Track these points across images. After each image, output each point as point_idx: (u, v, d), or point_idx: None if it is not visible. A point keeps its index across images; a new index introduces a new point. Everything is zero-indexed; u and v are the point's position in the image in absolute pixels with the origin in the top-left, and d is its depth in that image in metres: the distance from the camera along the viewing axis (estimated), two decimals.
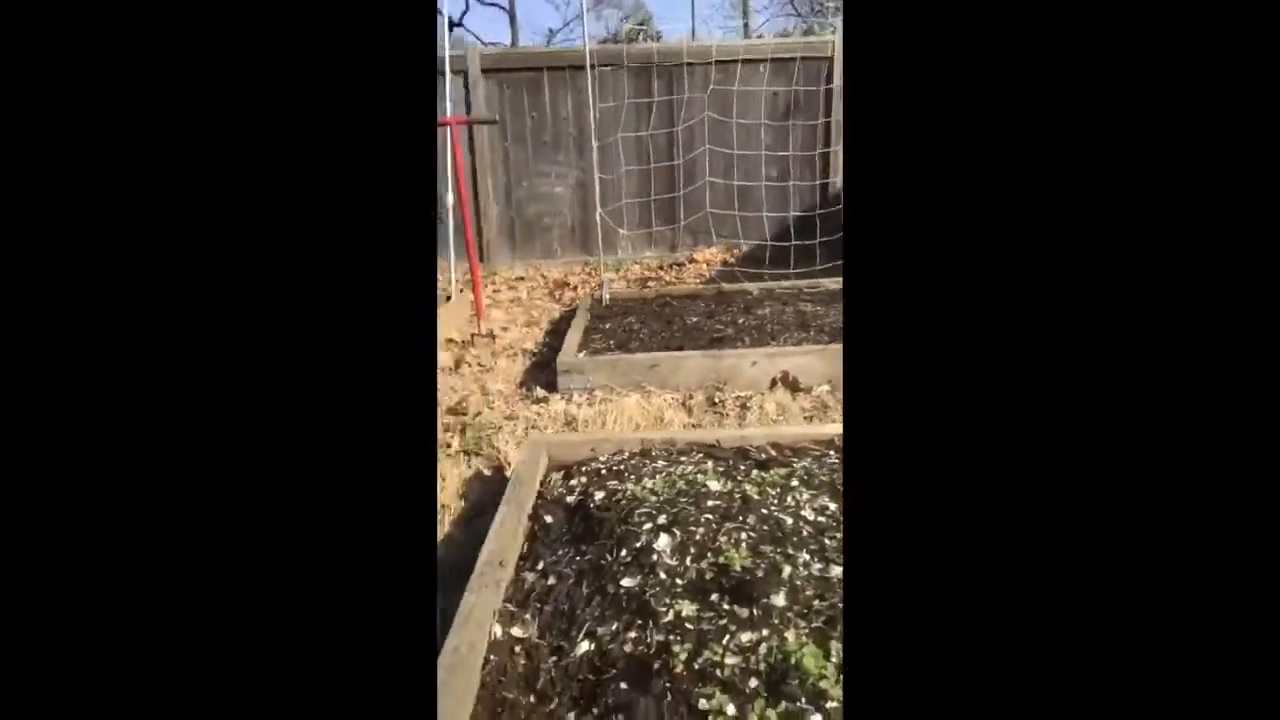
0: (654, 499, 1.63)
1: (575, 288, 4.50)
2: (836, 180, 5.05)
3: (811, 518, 1.54)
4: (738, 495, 1.62)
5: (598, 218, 3.91)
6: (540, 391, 2.74)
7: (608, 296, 3.95)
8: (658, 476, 1.76)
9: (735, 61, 4.81)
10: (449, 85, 4.17)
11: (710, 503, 1.59)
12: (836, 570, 1.35)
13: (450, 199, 3.86)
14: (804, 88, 4.87)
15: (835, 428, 2.05)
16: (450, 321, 3.64)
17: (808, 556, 1.39)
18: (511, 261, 5.13)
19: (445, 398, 2.68)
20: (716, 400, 2.63)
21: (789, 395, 2.70)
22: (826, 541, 1.41)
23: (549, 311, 4.03)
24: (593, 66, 4.15)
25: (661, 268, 4.99)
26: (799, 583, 1.30)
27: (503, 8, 11.04)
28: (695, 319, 3.49)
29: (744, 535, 1.46)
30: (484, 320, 3.51)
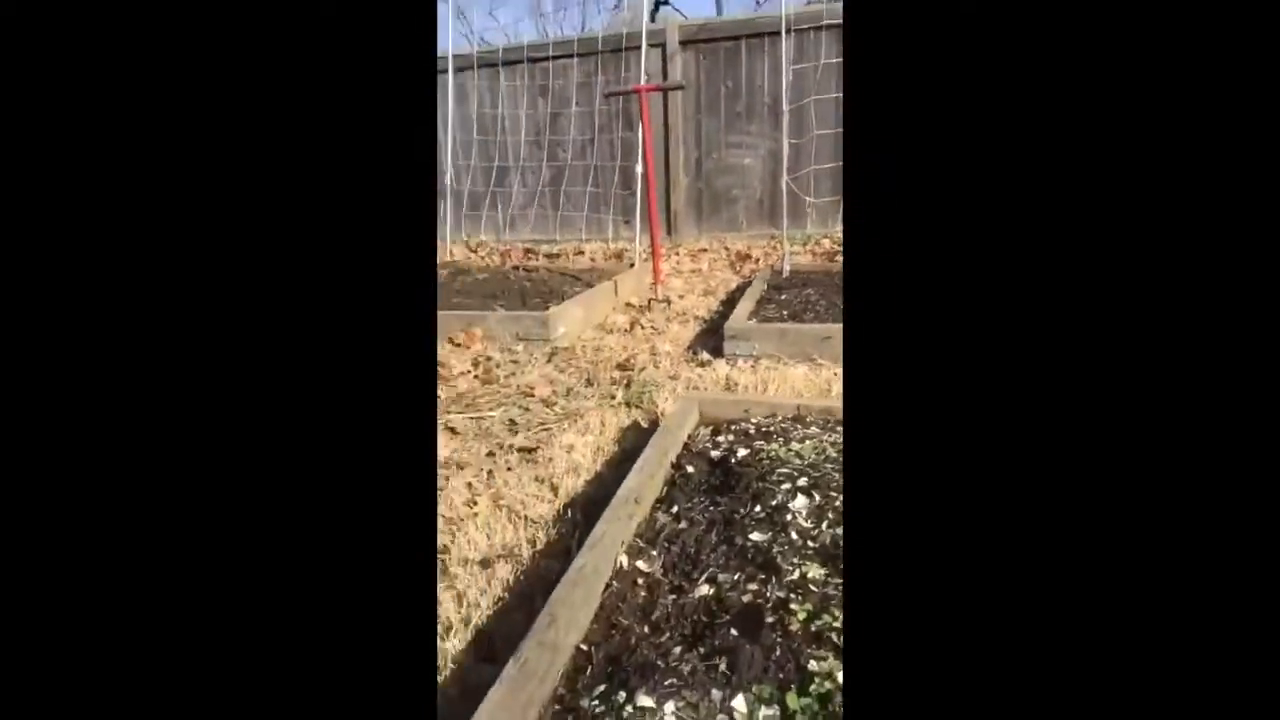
0: (798, 461, 1.58)
1: (757, 260, 4.44)
2: None
3: None
4: None
5: (784, 185, 3.81)
6: (705, 355, 2.76)
7: (788, 268, 3.85)
8: (807, 442, 1.70)
9: None
10: (644, 59, 4.28)
11: None
12: None
13: (640, 169, 3.98)
14: None
15: None
16: (631, 287, 3.78)
17: None
18: (698, 234, 5.18)
19: (615, 354, 2.80)
20: None
21: None
22: None
23: (727, 283, 4.02)
24: (789, 31, 4.02)
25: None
26: None
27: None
28: None
29: None
30: (662, 286, 3.59)
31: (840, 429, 1.77)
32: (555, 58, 5.13)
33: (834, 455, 1.59)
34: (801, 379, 2.46)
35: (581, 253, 4.97)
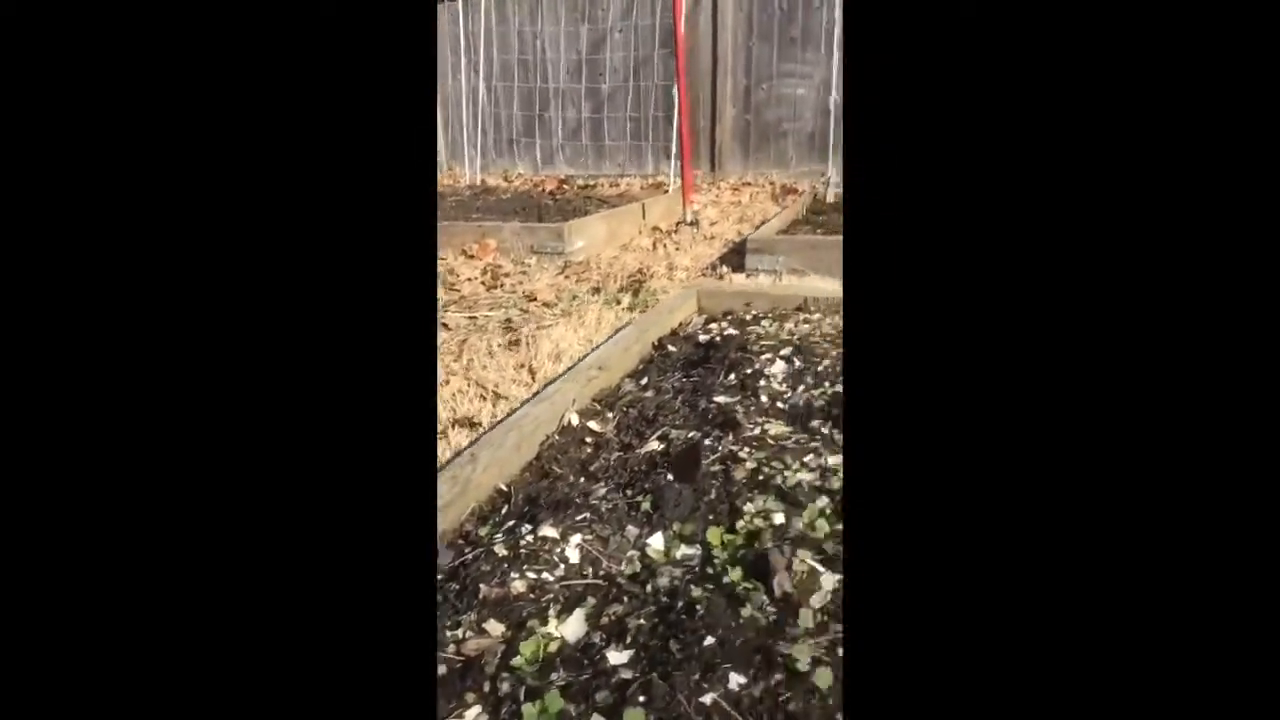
0: (787, 337, 1.44)
1: (802, 194, 4.23)
2: None
3: None
4: None
5: (831, 104, 3.58)
6: (724, 269, 2.62)
7: (831, 196, 3.63)
8: (804, 325, 1.55)
9: None
10: None
11: None
12: None
13: (674, 93, 3.80)
14: None
15: None
16: (661, 211, 3.64)
17: None
18: (744, 169, 4.97)
19: (630, 268, 2.69)
20: None
21: None
22: None
23: (766, 212, 3.84)
24: None
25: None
26: None
27: None
28: None
29: None
30: (690, 208, 3.43)
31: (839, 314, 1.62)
32: None
33: (830, 331, 1.44)
34: (825, 288, 2.30)
35: (617, 185, 4.84)
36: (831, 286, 2.33)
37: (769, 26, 4.70)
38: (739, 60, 4.82)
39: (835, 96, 3.66)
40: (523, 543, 0.86)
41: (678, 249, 3.03)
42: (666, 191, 3.94)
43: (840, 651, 0.66)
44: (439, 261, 2.91)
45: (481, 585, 0.79)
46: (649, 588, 0.78)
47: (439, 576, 0.83)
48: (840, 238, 2.54)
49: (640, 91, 5.14)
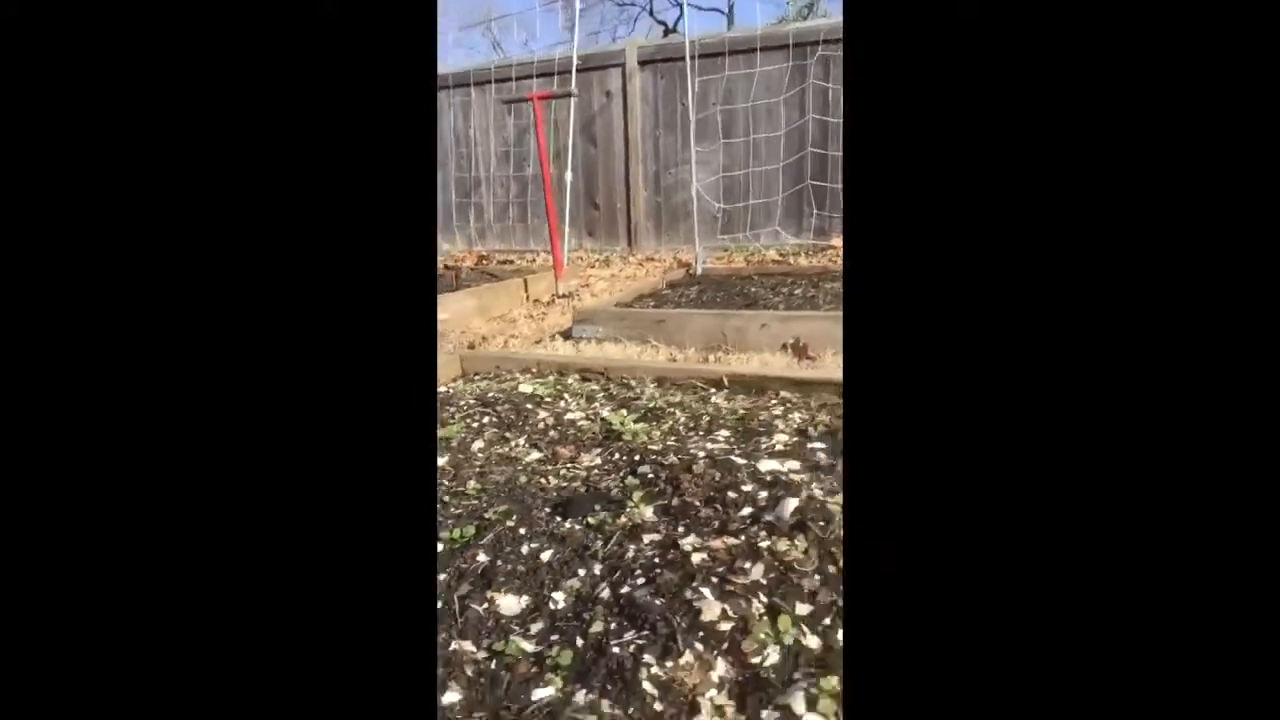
0: (498, 395, 1.85)
1: (677, 267, 4.69)
2: None
3: (581, 419, 1.64)
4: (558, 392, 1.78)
5: (693, 193, 4.08)
6: (557, 339, 3.04)
7: (700, 270, 4.08)
8: (538, 382, 1.97)
9: None
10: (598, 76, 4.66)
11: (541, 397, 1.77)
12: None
13: (569, 177, 4.33)
14: None
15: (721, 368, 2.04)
16: (545, 286, 4.11)
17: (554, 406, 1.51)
18: (657, 245, 5.47)
19: (475, 337, 3.12)
20: (709, 358, 2.67)
21: (792, 359, 2.63)
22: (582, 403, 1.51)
23: (656, 285, 4.29)
24: (750, 50, 4.31)
25: (799, 253, 4.91)
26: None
27: (721, 11, 11.38)
28: (757, 290, 3.49)
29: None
30: (561, 282, 3.90)
31: (579, 373, 2.03)
32: (519, 78, 5.61)
33: (574, 386, 1.85)
34: (627, 354, 2.70)
35: (535, 259, 5.36)
36: (635, 350, 2.74)
37: (672, 120, 5.27)
38: (648, 147, 5.39)
39: (696, 186, 4.15)
40: None
41: (537, 319, 3.47)
42: (564, 266, 4.43)
43: None
44: None
45: None
46: None
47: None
48: (643, 310, 2.96)
49: (558, 180, 5.71)
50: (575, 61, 4.93)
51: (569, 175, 4.45)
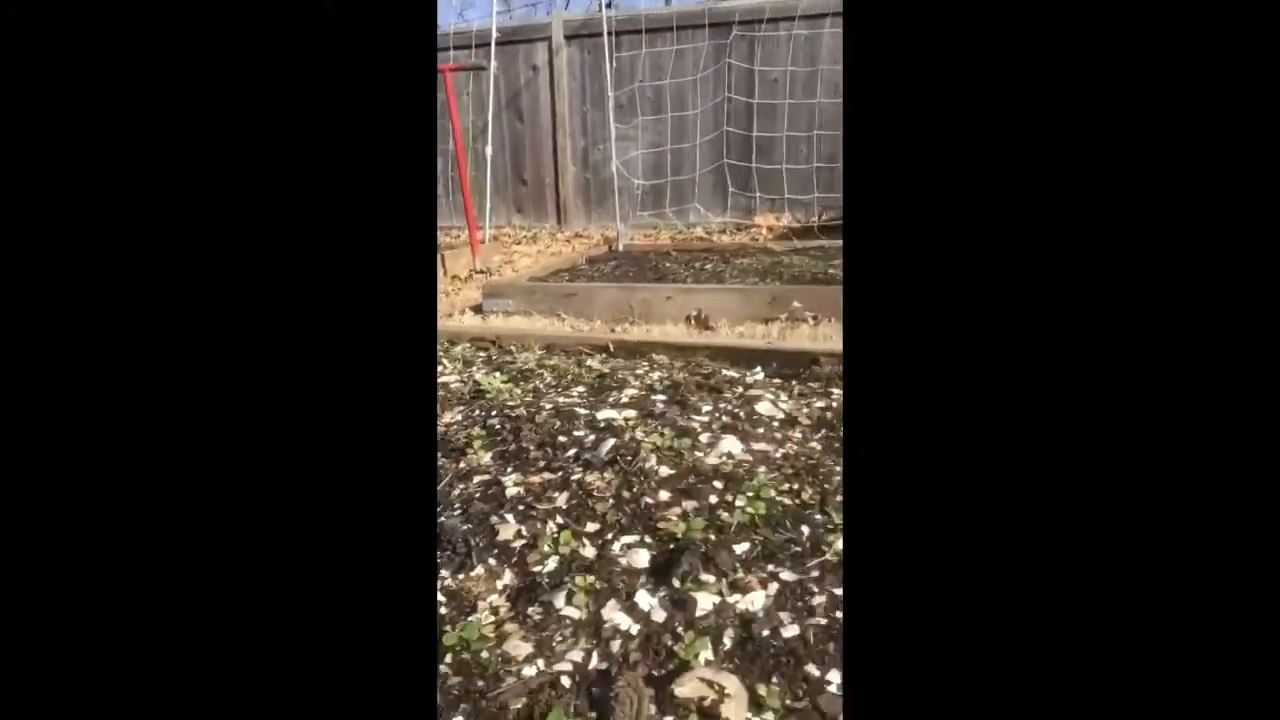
0: None
1: (597, 242, 4.80)
2: None
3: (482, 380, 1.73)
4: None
5: (614, 170, 4.18)
6: (467, 313, 3.13)
7: (621, 247, 4.20)
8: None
9: (825, 15, 4.70)
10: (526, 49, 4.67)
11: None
12: None
13: (489, 152, 4.38)
14: None
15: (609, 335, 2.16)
16: (465, 262, 4.18)
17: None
18: (586, 222, 5.56)
19: None
20: (616, 328, 2.79)
21: (694, 329, 2.77)
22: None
23: (576, 260, 4.39)
24: (669, 29, 4.38)
25: (725, 231, 5.06)
26: None
27: None
28: (671, 266, 3.63)
29: None
30: (479, 259, 3.98)
31: (471, 341, 2.12)
32: (439, 49, 5.60)
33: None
34: (527, 325, 2.81)
35: (461, 235, 5.41)
36: (543, 323, 2.84)
37: (600, 96, 5.35)
38: (576, 123, 5.45)
39: (616, 163, 4.26)
40: None
41: (450, 294, 3.55)
42: (484, 242, 4.50)
43: None
44: None
45: None
46: None
47: None
48: (552, 284, 3.06)
49: (478, 154, 5.72)
50: (494, 34, 4.95)
51: (489, 150, 4.51)
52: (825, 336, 2.40)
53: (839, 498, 1.23)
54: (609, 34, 4.62)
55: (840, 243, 4.10)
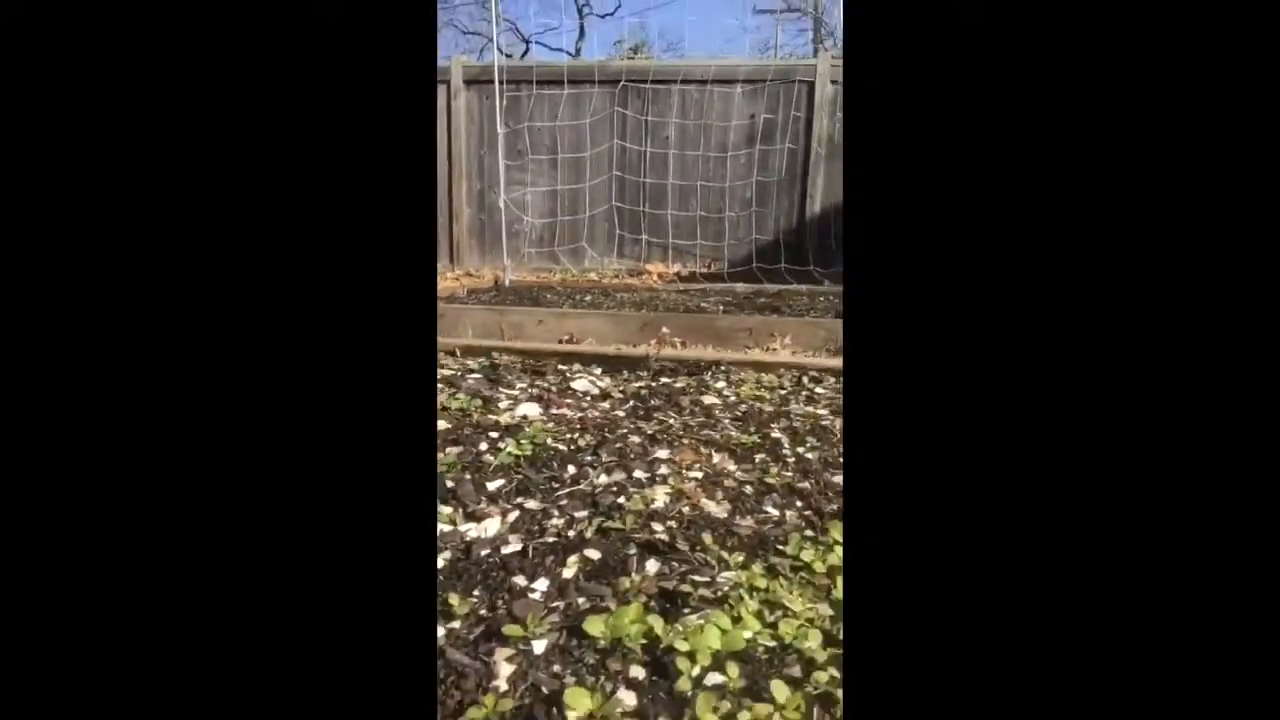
0: None
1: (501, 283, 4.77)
2: (815, 205, 4.94)
3: None
4: None
5: (500, 205, 4.20)
6: None
7: (508, 282, 4.18)
8: None
9: (707, 82, 4.95)
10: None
11: None
12: None
13: None
14: (783, 111, 4.89)
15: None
16: None
17: None
18: (480, 263, 5.53)
19: None
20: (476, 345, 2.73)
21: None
22: None
23: (453, 290, 4.32)
24: (570, 82, 4.53)
25: (617, 276, 5.12)
26: None
27: (569, 53, 11.99)
28: (551, 297, 3.62)
29: None
30: None
31: None
32: None
33: None
34: None
35: None
36: None
37: (495, 141, 5.43)
38: (472, 166, 5.49)
39: (504, 200, 4.30)
40: None
41: None
42: None
43: None
44: None
45: None
46: None
47: None
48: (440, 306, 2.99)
49: None
50: None
51: None
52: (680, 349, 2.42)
53: (620, 445, 1.25)
54: (503, 81, 4.73)
55: (721, 285, 4.26)
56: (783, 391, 1.74)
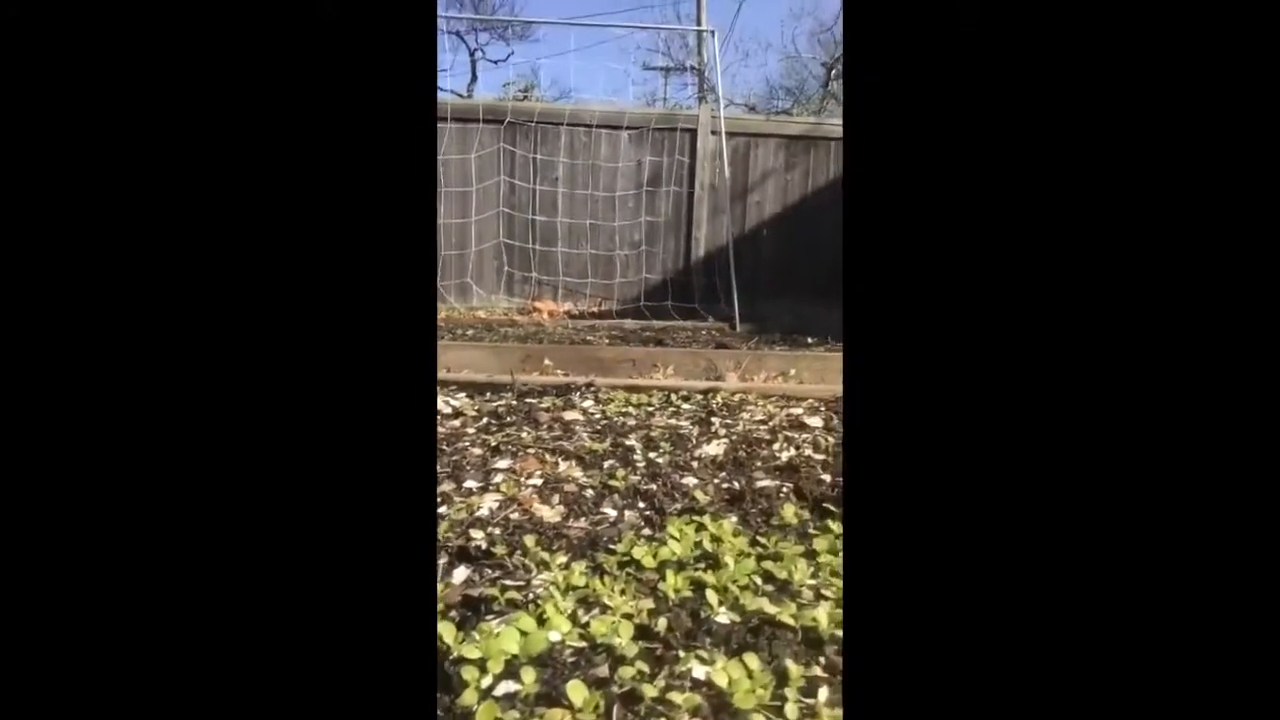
0: None
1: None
2: (699, 248, 5.05)
3: None
4: None
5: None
6: None
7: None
8: None
9: (595, 127, 5.02)
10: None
11: None
12: None
13: None
14: (669, 157, 5.00)
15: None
16: None
17: None
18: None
19: None
20: None
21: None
22: None
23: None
24: (453, 119, 4.47)
25: (506, 314, 5.02)
26: None
27: (461, 95, 12.01)
28: (448, 338, 3.50)
29: None
30: None
31: None
32: None
33: None
34: None
35: None
36: None
37: None
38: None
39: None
40: None
41: None
42: None
43: None
44: None
45: None
46: None
47: None
48: None
49: None
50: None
51: None
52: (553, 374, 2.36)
53: (456, 458, 1.19)
54: None
55: (609, 321, 4.25)
56: (650, 409, 1.71)
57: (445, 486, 1.08)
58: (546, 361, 2.91)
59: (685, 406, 1.72)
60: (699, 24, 11.25)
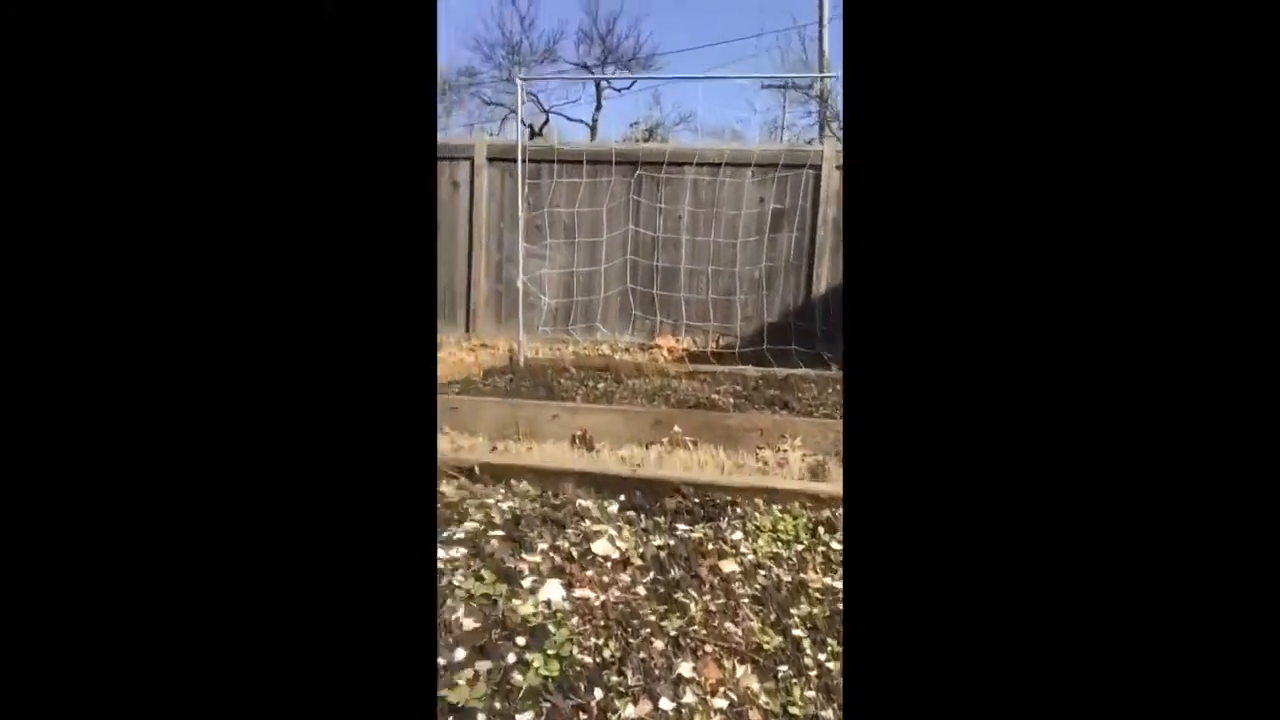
0: None
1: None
2: (820, 287, 4.98)
3: None
4: None
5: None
6: None
7: (523, 360, 4.19)
8: None
9: (720, 165, 5.03)
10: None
11: None
12: None
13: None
14: (791, 198, 4.96)
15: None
16: None
17: None
18: (496, 332, 5.55)
19: None
20: (497, 447, 2.72)
21: (579, 449, 2.72)
22: None
23: (469, 372, 4.33)
24: (585, 163, 4.61)
25: (628, 350, 5.13)
26: None
27: (586, 123, 12.25)
28: (567, 383, 3.62)
29: None
30: None
31: None
32: None
33: None
34: None
35: None
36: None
37: (516, 216, 5.50)
38: (492, 239, 5.55)
39: (523, 279, 4.34)
40: None
41: None
42: None
43: None
44: None
45: None
46: None
47: None
48: (454, 399, 2.99)
49: None
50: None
51: None
52: (700, 464, 2.41)
53: (643, 655, 1.19)
54: (522, 161, 4.81)
55: (730, 366, 4.26)
56: (800, 544, 1.72)
57: (644, 708, 1.07)
58: (676, 428, 2.97)
59: (836, 546, 1.72)
60: (821, 48, 10.97)
